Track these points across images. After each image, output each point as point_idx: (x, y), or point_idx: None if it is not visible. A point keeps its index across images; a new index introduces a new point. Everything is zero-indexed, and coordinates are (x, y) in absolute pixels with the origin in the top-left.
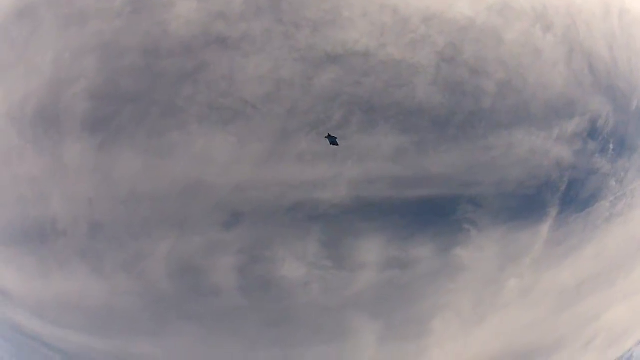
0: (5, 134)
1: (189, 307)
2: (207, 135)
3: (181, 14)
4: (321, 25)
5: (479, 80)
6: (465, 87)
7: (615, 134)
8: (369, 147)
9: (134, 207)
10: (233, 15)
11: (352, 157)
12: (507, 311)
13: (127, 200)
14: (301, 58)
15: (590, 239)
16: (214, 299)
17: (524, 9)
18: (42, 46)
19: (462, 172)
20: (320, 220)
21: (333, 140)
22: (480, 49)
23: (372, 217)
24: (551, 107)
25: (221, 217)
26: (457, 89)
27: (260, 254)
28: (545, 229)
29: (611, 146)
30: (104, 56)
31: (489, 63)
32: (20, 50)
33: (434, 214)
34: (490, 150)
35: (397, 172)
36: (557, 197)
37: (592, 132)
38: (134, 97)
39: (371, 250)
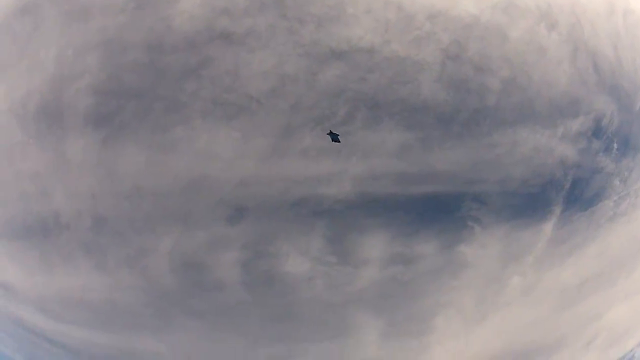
0: (8, 129)
1: (192, 303)
2: (211, 131)
3: (185, 9)
4: (325, 21)
5: (483, 77)
6: (470, 85)
7: (619, 134)
8: (374, 143)
9: (137, 202)
10: (237, 10)
11: (357, 153)
12: (509, 309)
13: (130, 195)
14: (305, 54)
15: (593, 237)
16: (217, 294)
17: (528, 7)
18: (45, 42)
19: (467, 169)
20: (324, 216)
21: (335, 138)
22: (485, 46)
23: (376, 213)
24: (556, 106)
25: (225, 212)
26: (461, 86)
27: (264, 249)
28: (549, 227)
29: (615, 145)
30: (108, 52)
31: (493, 61)
32: (23, 46)
33: (439, 211)
34: (495, 147)
35: (402, 168)
36: (561, 196)
37: (597, 131)
38: (137, 92)
39: (375, 246)
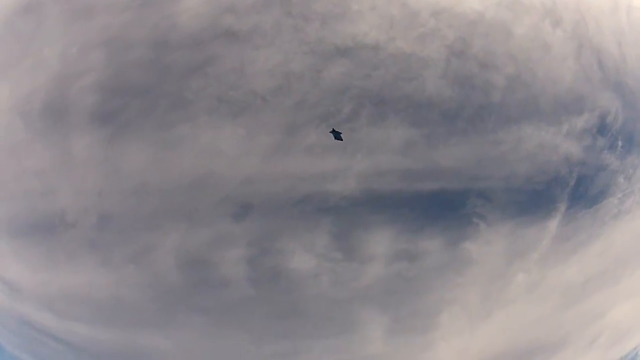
0: (13, 127)
1: (197, 299)
2: (216, 128)
3: (190, 6)
4: (330, 18)
5: (488, 74)
6: (475, 81)
7: (624, 131)
8: (379, 140)
9: (143, 199)
10: (242, 7)
11: (362, 150)
12: (513, 307)
13: (136, 192)
14: (311, 51)
15: (598, 235)
16: (222, 291)
17: (533, 4)
18: (49, 40)
19: (472, 165)
20: (329, 213)
21: (337, 136)
22: (490, 43)
23: (381, 210)
24: (560, 102)
25: (230, 209)
26: (466, 82)
27: (269, 246)
28: (553, 224)
29: (620, 143)
30: (113, 49)
31: (498, 57)
32: (26, 45)
33: (444, 207)
34: (500, 144)
35: (407, 165)
36: (566, 193)
37: (601, 128)
38: (142, 89)
39: (380, 242)
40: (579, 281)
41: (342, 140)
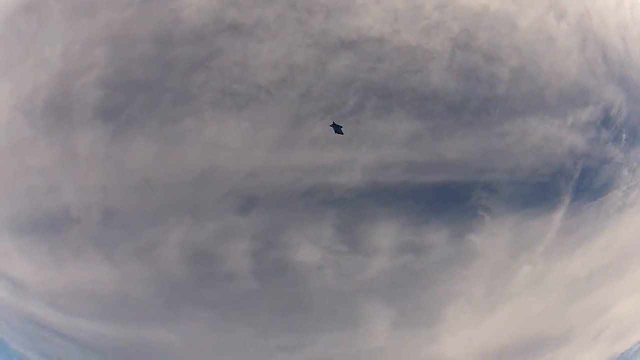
0: (17, 125)
1: (203, 293)
2: (220, 122)
3: (193, 1)
4: (335, 11)
5: (493, 66)
6: (480, 74)
7: (628, 124)
8: (384, 132)
9: (147, 194)
10: (246, 1)
11: (367, 143)
12: (518, 300)
13: (140, 187)
14: (315, 44)
15: (602, 228)
16: (228, 285)
17: None
18: (52, 38)
19: (477, 158)
20: (335, 205)
21: (338, 130)
22: (495, 35)
23: (387, 202)
24: (565, 95)
25: (236, 202)
26: (471, 75)
27: (274, 239)
28: (558, 217)
29: (624, 136)
30: (116, 45)
31: (503, 50)
32: (29, 44)
33: (449, 200)
34: (505, 137)
35: (412, 157)
36: (570, 186)
37: (606, 121)
38: (146, 85)
39: (386, 235)
40: (584, 275)
41: (342, 134)
